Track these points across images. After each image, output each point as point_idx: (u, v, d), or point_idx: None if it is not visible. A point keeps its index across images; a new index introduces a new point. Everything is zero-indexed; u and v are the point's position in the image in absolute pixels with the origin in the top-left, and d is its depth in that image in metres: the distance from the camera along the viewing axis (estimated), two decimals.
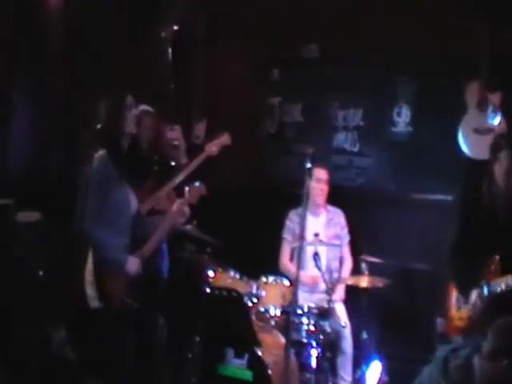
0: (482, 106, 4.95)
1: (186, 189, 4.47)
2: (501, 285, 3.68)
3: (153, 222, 4.01)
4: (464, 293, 3.89)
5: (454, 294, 3.99)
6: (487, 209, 3.81)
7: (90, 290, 3.73)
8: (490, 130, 4.90)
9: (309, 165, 3.95)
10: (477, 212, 3.89)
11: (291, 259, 5.31)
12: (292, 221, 5.33)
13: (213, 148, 4.98)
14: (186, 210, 4.01)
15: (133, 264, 3.77)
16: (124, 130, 3.78)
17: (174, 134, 6.01)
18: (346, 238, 5.28)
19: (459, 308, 3.92)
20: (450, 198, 5.01)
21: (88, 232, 3.66)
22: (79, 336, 5.00)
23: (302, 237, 4.22)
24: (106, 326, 3.72)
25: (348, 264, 5.23)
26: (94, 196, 3.64)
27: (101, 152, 3.72)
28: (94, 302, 3.72)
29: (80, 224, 3.64)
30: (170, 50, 6.32)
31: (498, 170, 3.83)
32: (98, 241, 3.70)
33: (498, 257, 3.71)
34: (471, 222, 3.94)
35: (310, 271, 5.02)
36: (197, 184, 4.39)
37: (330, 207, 5.33)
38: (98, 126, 3.85)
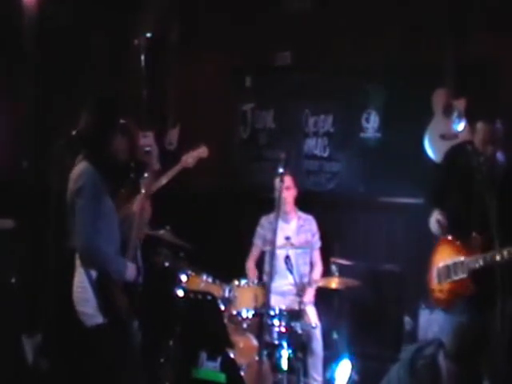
0: (448, 112, 5.08)
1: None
2: (479, 261, 3.83)
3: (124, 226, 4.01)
4: None
5: (435, 268, 4.12)
6: (465, 179, 3.97)
7: (87, 308, 3.62)
8: (455, 135, 5.03)
9: (281, 170, 4.01)
10: (454, 181, 4.07)
11: (257, 263, 5.45)
12: (263, 227, 5.43)
13: (189, 159, 4.99)
14: (148, 206, 4.00)
15: (132, 271, 3.73)
16: (113, 144, 3.73)
17: (147, 141, 6.04)
18: (317, 244, 5.37)
19: (440, 281, 4.06)
20: (417, 201, 5.11)
21: (98, 249, 3.57)
22: (61, 349, 4.99)
23: (273, 242, 4.29)
24: (111, 339, 3.63)
25: (318, 268, 5.33)
26: (91, 211, 3.55)
27: (86, 164, 3.64)
28: (96, 319, 3.59)
29: (87, 241, 3.54)
30: (142, 57, 6.37)
31: (477, 140, 3.99)
32: (105, 255, 3.61)
33: (479, 235, 3.87)
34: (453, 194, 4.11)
35: (281, 275, 5.11)
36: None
37: (301, 214, 5.41)
38: (73, 133, 3.84)
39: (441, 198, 4.17)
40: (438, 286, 4.10)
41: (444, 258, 4.05)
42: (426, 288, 4.22)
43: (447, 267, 4.01)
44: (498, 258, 3.69)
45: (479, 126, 3.99)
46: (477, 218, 3.87)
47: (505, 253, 3.69)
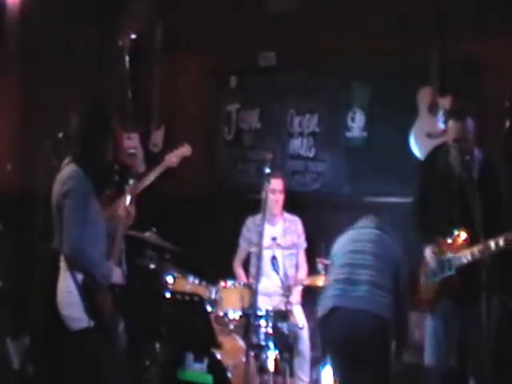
0: (433, 110, 5.09)
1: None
2: (466, 256, 3.84)
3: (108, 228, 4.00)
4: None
5: (422, 269, 4.14)
6: (444, 178, 3.98)
7: (73, 312, 3.60)
8: (441, 133, 5.03)
9: (268, 170, 4.00)
10: (434, 181, 4.09)
11: (243, 264, 5.45)
12: (248, 229, 5.42)
13: (173, 159, 4.93)
14: (132, 211, 3.99)
15: (118, 275, 3.73)
16: (105, 148, 3.73)
17: (132, 143, 6.03)
18: (303, 246, 5.38)
19: (427, 281, 4.08)
20: (402, 200, 5.12)
21: (85, 252, 3.55)
22: (47, 352, 4.97)
23: (259, 243, 4.27)
24: (97, 343, 3.62)
25: (303, 270, 5.33)
26: (79, 214, 3.54)
27: (74, 167, 3.64)
28: (82, 323, 3.58)
29: (75, 244, 3.52)
30: (127, 58, 6.35)
31: (449, 139, 4.00)
32: (91, 259, 3.59)
33: (464, 230, 3.88)
34: (429, 189, 4.14)
35: (267, 276, 5.09)
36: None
37: (286, 215, 5.41)
38: (60, 135, 3.82)
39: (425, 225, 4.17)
40: (424, 286, 4.11)
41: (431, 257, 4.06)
42: (413, 289, 4.23)
43: (434, 266, 4.01)
44: (485, 249, 3.69)
45: (450, 124, 3.99)
46: (459, 216, 3.87)
47: (492, 244, 3.69)
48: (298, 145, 5.90)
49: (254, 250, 5.19)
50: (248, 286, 4.87)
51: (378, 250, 4.04)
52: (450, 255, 3.94)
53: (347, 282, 3.96)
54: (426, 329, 4.19)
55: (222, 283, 4.84)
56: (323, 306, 3.99)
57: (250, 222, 5.41)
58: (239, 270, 5.44)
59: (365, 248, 4.08)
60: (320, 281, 4.85)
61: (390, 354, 3.93)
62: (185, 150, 4.99)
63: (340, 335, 3.85)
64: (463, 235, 3.88)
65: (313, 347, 4.98)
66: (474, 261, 3.79)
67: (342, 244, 4.21)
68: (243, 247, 5.44)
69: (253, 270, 5.27)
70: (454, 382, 3.99)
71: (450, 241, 3.96)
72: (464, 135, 3.92)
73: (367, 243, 4.10)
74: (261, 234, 4.10)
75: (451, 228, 3.94)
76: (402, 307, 3.95)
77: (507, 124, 4.63)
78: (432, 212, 4.11)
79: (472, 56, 5.08)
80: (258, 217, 4.84)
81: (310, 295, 5.13)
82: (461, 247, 3.89)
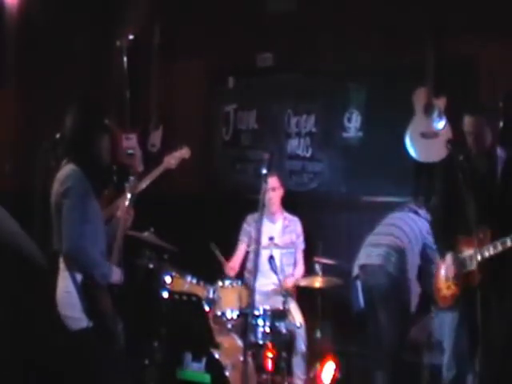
0: (428, 110, 5.12)
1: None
2: (489, 249, 3.83)
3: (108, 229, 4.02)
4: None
5: (442, 267, 4.13)
6: (462, 175, 3.92)
7: (73, 312, 3.60)
8: (436, 133, 5.08)
9: (265, 170, 4.03)
10: (454, 182, 4.03)
11: (242, 262, 5.43)
12: (249, 224, 5.43)
13: (171, 160, 4.95)
14: (131, 212, 4.01)
15: (117, 275, 3.73)
16: (98, 146, 3.74)
17: (130, 143, 6.05)
18: (301, 246, 5.39)
19: (448, 279, 4.07)
20: (398, 199, 5.17)
21: (84, 251, 3.55)
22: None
23: (257, 242, 4.29)
24: (96, 343, 3.62)
25: (300, 268, 5.35)
26: (78, 213, 3.54)
27: (72, 166, 3.64)
28: (81, 323, 3.59)
29: (74, 243, 3.53)
30: (125, 59, 6.38)
31: (467, 136, 4.00)
32: (91, 258, 3.59)
33: (487, 227, 3.86)
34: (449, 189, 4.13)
35: (265, 275, 5.11)
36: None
37: (287, 214, 5.44)
38: (58, 136, 3.84)
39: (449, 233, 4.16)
40: (445, 283, 4.09)
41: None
42: (432, 289, 4.26)
43: (457, 262, 4.01)
44: (509, 243, 3.70)
45: (464, 118, 4.02)
46: (479, 215, 3.81)
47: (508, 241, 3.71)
48: (295, 145, 5.94)
49: (251, 248, 5.22)
50: (245, 285, 4.89)
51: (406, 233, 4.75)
52: (471, 251, 3.92)
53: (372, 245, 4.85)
54: (445, 327, 4.19)
55: (220, 283, 4.86)
56: (356, 265, 4.84)
57: (250, 218, 5.42)
58: (231, 268, 5.28)
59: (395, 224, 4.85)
60: (317, 282, 4.88)
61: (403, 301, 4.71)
62: (184, 152, 5.03)
63: (365, 287, 4.76)
64: (485, 233, 3.86)
65: (310, 346, 5.01)
66: (496, 254, 3.78)
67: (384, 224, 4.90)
68: (243, 241, 5.42)
69: (250, 267, 5.27)
70: (469, 379, 4.00)
71: (471, 239, 3.91)
72: (478, 130, 3.93)
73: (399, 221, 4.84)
74: (259, 233, 4.12)
75: (471, 227, 3.87)
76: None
77: (501, 125, 4.65)
78: (452, 212, 4.08)
79: (466, 57, 5.11)
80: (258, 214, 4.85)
81: (307, 294, 5.17)
82: (482, 243, 3.85)
